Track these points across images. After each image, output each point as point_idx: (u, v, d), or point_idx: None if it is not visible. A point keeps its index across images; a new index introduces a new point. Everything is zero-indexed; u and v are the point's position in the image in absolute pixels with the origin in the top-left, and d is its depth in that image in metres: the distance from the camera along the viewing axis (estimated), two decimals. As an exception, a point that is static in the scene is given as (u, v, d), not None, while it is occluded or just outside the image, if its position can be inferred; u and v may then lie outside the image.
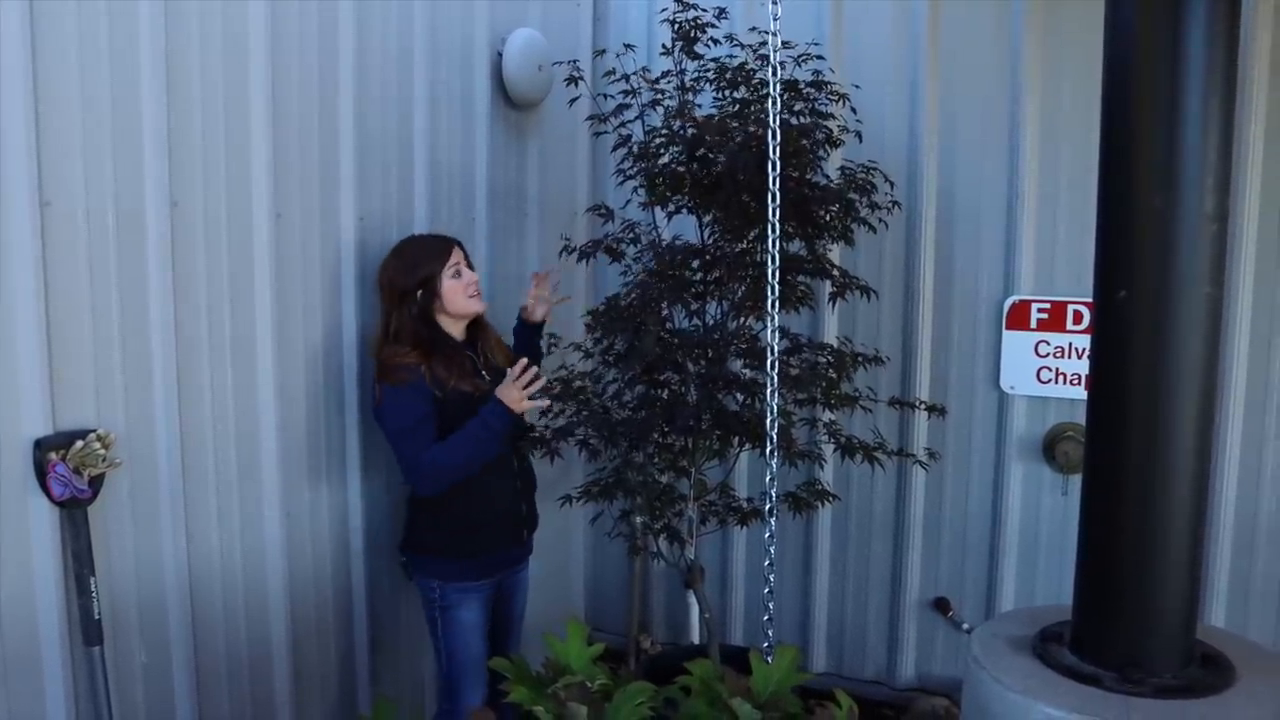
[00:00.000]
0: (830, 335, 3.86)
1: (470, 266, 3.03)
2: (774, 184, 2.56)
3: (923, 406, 3.47)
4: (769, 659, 2.32)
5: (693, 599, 4.01)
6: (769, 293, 2.56)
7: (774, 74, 2.59)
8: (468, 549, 3.02)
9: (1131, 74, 2.27)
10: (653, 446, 3.25)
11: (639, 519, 3.34)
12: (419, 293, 2.90)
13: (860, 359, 3.24)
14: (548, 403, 3.04)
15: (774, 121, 2.56)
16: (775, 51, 2.59)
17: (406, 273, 2.91)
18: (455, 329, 3.00)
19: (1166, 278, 2.24)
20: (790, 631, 4.21)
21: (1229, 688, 2.31)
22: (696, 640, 4.17)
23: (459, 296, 2.94)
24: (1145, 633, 2.35)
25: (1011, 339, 3.77)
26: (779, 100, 3.17)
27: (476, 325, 3.08)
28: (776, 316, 2.59)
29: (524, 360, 2.86)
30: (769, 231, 2.54)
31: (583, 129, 3.52)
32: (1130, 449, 2.33)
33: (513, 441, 3.08)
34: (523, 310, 3.38)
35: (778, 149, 2.55)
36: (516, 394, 2.84)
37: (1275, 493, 3.56)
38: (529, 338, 3.37)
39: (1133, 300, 2.27)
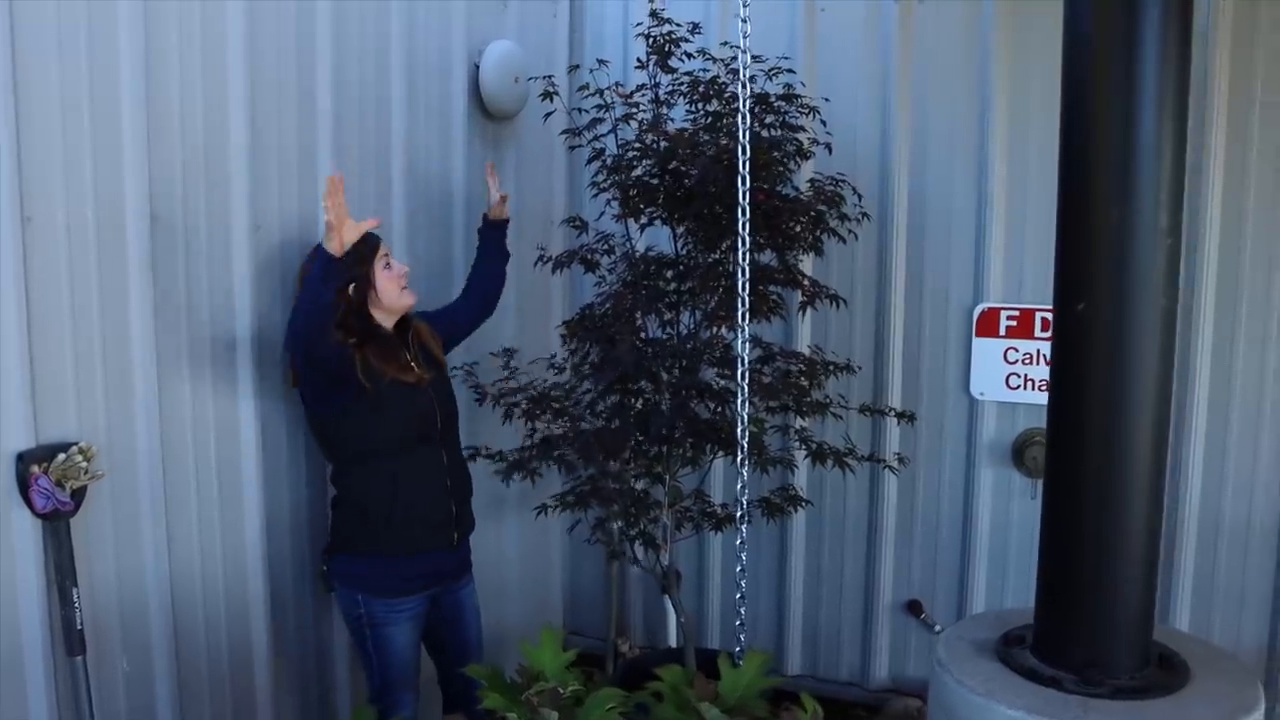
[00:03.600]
0: (804, 344, 3.92)
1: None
2: (743, 197, 2.62)
3: (892, 413, 3.53)
4: (740, 663, 2.38)
5: (669, 604, 4.06)
6: (739, 304, 2.62)
7: (743, 89, 2.65)
8: (389, 547, 2.90)
9: (1088, 91, 2.35)
10: (629, 454, 3.31)
11: (616, 525, 3.39)
12: (351, 287, 2.84)
13: (831, 367, 3.31)
14: (375, 221, 2.77)
15: (743, 136, 2.63)
16: (745, 68, 2.65)
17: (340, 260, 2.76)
18: (387, 323, 2.95)
19: (1122, 290, 2.31)
20: (766, 634, 4.27)
21: (1184, 688, 2.39)
22: (674, 644, 4.22)
23: (393, 288, 2.89)
24: (1104, 635, 2.42)
25: (981, 346, 3.84)
26: (749, 115, 3.26)
27: (405, 318, 3.01)
28: (746, 327, 2.66)
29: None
30: (739, 244, 2.60)
31: (560, 141, 3.57)
32: (1089, 456, 2.40)
33: (444, 435, 3.04)
34: (487, 211, 3.35)
35: (747, 163, 2.62)
36: (332, 238, 2.64)
37: (1237, 497, 3.64)
38: (496, 238, 3.35)
39: (1090, 312, 2.34)
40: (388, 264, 2.92)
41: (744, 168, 2.61)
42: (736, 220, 2.61)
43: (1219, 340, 3.58)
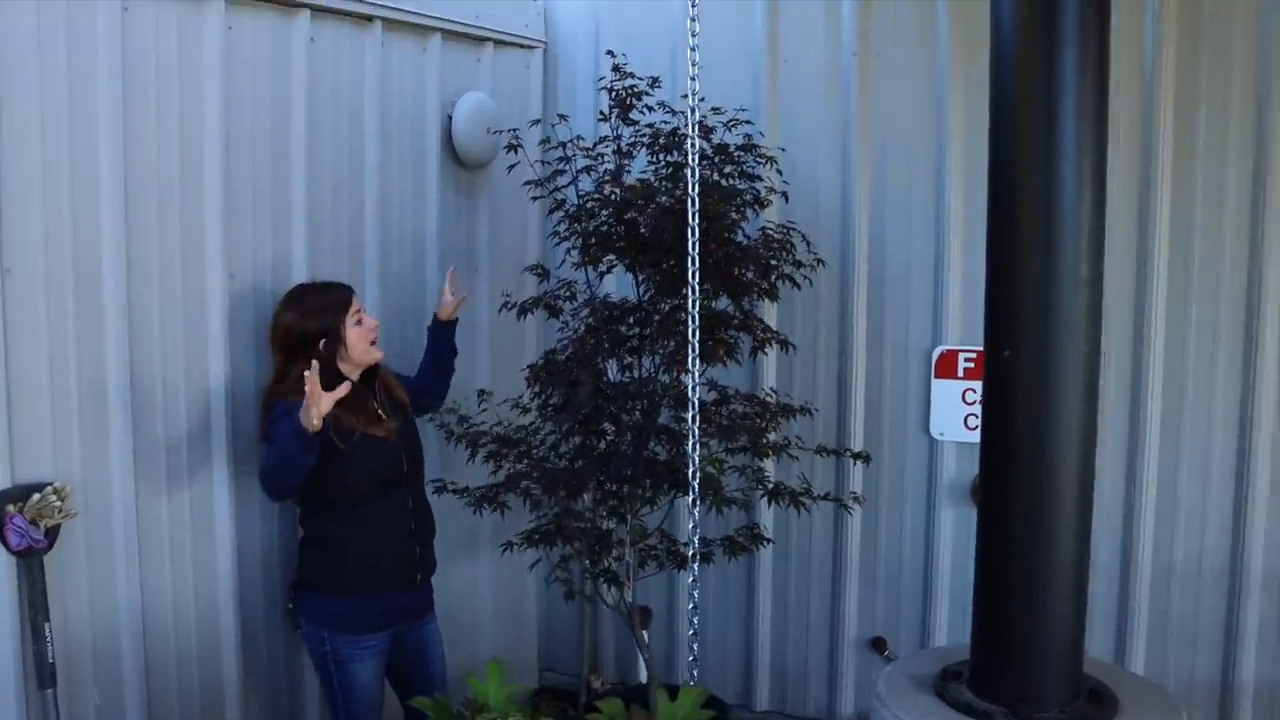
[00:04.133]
0: (768, 386, 4.03)
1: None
2: (693, 248, 2.74)
3: (848, 454, 3.64)
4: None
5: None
6: (689, 350, 2.74)
7: (693, 146, 2.76)
8: (355, 586, 3.00)
9: (1011, 151, 2.48)
10: (597, 494, 3.42)
11: (583, 563, 3.49)
12: (321, 342, 2.93)
13: (787, 410, 3.41)
14: (343, 391, 2.80)
15: (693, 189, 2.74)
16: (694, 127, 2.77)
17: (309, 321, 2.95)
18: (354, 373, 3.05)
19: (1046, 338, 2.43)
20: (735, 668, 4.35)
21: (1111, 720, 2.48)
22: (644, 680, 4.30)
23: (361, 344, 3.00)
24: (1034, 669, 2.51)
25: (940, 387, 3.95)
26: (709, 164, 3.39)
27: (373, 366, 3.12)
28: (696, 371, 2.77)
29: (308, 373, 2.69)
30: (689, 292, 2.71)
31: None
32: (1017, 494, 2.50)
33: (409, 481, 3.13)
34: (438, 310, 3.44)
35: (696, 214, 2.74)
36: (310, 388, 2.66)
37: (1187, 539, 3.72)
38: (445, 337, 3.45)
39: (1017, 359, 2.46)
40: (359, 320, 3.02)
41: (694, 219, 2.73)
42: (687, 269, 2.73)
43: (1168, 387, 3.66)
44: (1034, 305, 2.44)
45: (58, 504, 2.54)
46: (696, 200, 2.72)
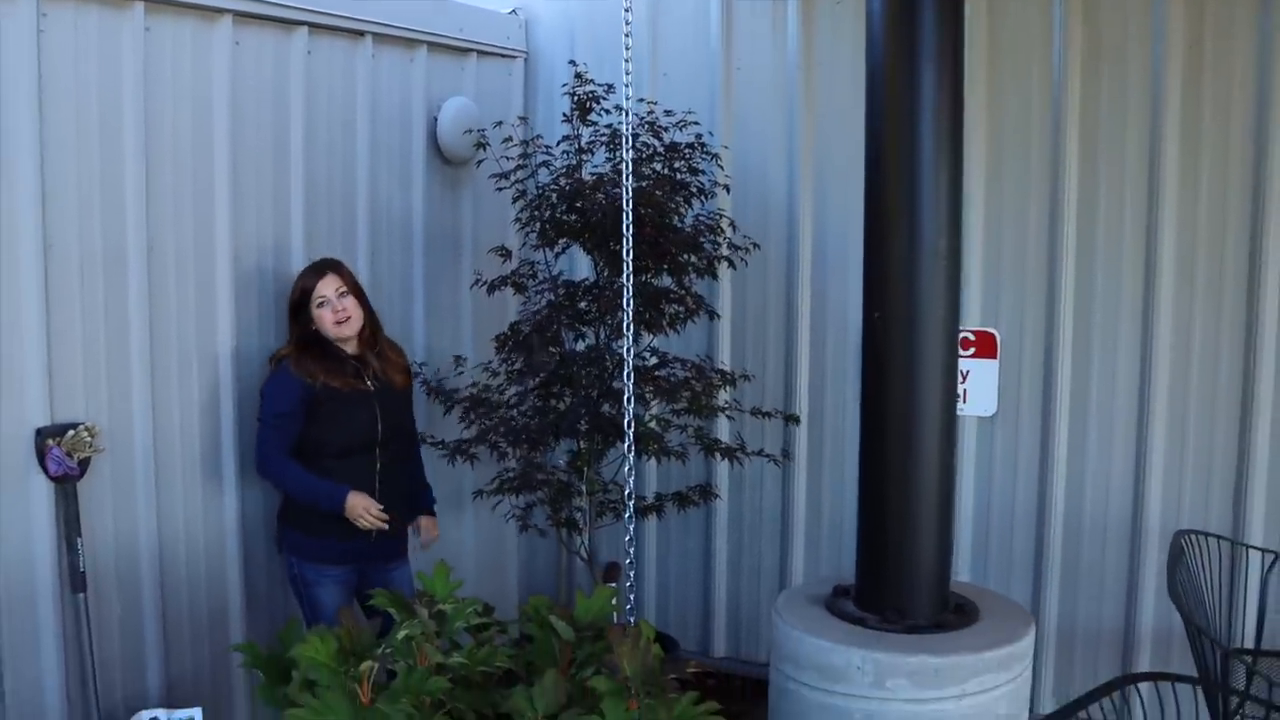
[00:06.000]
0: (725, 357, 4.48)
1: (353, 289, 3.47)
2: (627, 229, 3.20)
3: (779, 414, 4.09)
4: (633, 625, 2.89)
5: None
6: (624, 319, 3.20)
7: (626, 128, 3.16)
8: (315, 528, 3.41)
9: (881, 141, 2.94)
10: (563, 451, 3.88)
11: (545, 511, 3.97)
12: (301, 311, 3.43)
13: (723, 375, 3.87)
14: (384, 525, 3.40)
15: (626, 180, 3.20)
16: (627, 126, 3.21)
17: (292, 295, 3.46)
18: (348, 345, 3.48)
19: (910, 304, 2.88)
20: (694, 618, 4.79)
21: (967, 626, 2.93)
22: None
23: (326, 324, 3.41)
24: (905, 587, 2.97)
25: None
26: (658, 158, 3.83)
27: (377, 348, 3.56)
28: (630, 336, 3.22)
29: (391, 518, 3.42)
30: (624, 269, 3.18)
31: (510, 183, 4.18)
32: (890, 438, 2.96)
33: (383, 446, 3.49)
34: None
35: (629, 201, 3.20)
36: (361, 510, 3.34)
37: (1095, 494, 4.13)
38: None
39: (885, 320, 2.91)
40: (321, 303, 3.41)
41: (627, 205, 3.19)
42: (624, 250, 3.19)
43: (1077, 350, 4.07)
44: (899, 272, 2.89)
45: (89, 440, 3.05)
46: (629, 189, 3.17)
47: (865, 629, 2.90)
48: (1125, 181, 3.96)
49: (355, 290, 3.50)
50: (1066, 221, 4.03)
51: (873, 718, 2.74)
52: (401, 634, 2.38)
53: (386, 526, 3.40)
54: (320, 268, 3.48)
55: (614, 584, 4.14)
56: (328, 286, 3.43)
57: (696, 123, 3.98)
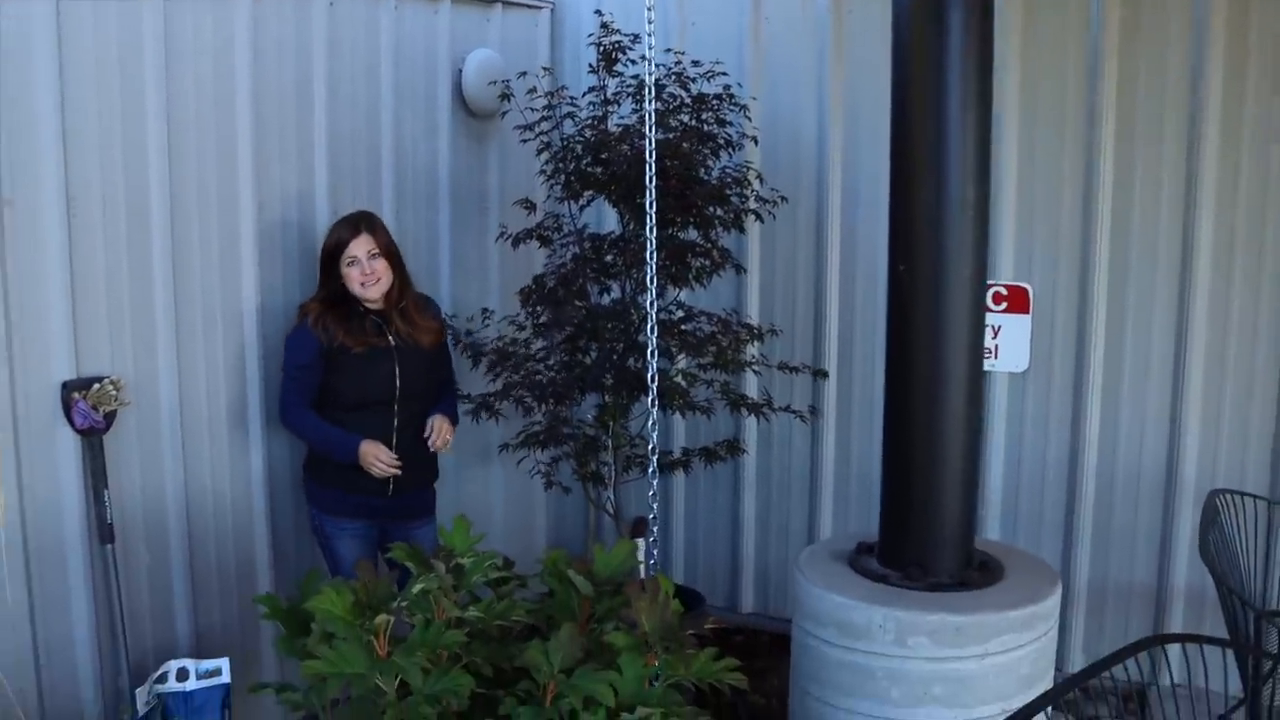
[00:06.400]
0: (754, 311, 4.44)
1: (386, 251, 3.42)
2: (650, 181, 3.15)
3: (807, 369, 4.04)
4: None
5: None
6: (648, 272, 3.16)
7: (649, 94, 3.14)
8: (333, 481, 3.46)
9: (908, 90, 2.85)
10: (589, 406, 3.86)
11: (571, 465, 3.96)
12: (332, 264, 3.40)
13: (749, 329, 3.83)
14: (397, 472, 3.42)
15: (651, 132, 3.15)
16: (650, 75, 3.15)
17: (322, 250, 3.44)
18: (373, 304, 3.44)
19: (937, 255, 2.81)
20: (722, 574, 4.79)
21: (991, 585, 2.89)
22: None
23: (353, 283, 3.39)
24: (929, 544, 2.93)
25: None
26: (684, 109, 3.76)
27: (403, 307, 3.48)
28: (654, 289, 3.18)
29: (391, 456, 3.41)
30: (647, 222, 3.13)
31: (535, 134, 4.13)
32: (915, 394, 2.91)
33: (402, 402, 3.47)
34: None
35: (653, 152, 3.14)
36: (373, 457, 3.36)
37: (1127, 455, 4.06)
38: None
39: (911, 273, 2.85)
40: (351, 262, 3.38)
41: (650, 156, 3.13)
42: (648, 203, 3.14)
43: (1111, 305, 3.99)
44: (926, 225, 2.82)
45: (114, 393, 3.06)
46: (654, 142, 3.11)
47: (887, 586, 2.87)
48: (1164, 121, 3.85)
49: (388, 252, 3.45)
50: (1102, 172, 3.94)
51: (894, 675, 2.72)
52: (418, 588, 2.38)
53: (399, 473, 3.41)
54: (356, 223, 3.42)
55: (640, 539, 4.16)
56: (360, 247, 3.39)
57: (725, 73, 3.90)
